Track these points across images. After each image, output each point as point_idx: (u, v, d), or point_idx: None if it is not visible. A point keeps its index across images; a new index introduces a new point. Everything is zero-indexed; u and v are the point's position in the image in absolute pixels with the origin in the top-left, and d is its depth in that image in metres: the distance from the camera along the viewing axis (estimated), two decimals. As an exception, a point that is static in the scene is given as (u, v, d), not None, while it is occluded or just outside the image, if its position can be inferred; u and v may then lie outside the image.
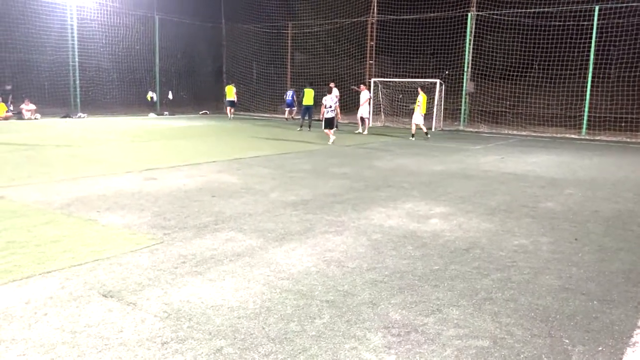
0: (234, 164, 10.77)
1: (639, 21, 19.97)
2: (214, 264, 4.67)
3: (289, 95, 25.16)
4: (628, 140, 19.73)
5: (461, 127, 23.32)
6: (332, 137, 15.39)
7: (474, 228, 6.22)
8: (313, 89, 21.41)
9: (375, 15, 25.49)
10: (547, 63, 21.69)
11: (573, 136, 20.74)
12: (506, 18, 21.96)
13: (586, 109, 20.84)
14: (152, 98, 27.44)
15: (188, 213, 6.50)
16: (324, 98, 15.95)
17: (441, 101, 22.70)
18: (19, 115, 21.38)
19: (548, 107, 22.60)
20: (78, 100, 24.53)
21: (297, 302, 3.88)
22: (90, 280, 4.19)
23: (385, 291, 4.16)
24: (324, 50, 28.11)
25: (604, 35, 20.24)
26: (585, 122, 20.98)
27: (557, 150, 15.83)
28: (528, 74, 22.75)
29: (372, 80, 24.31)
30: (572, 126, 21.57)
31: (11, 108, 21.53)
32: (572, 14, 20.72)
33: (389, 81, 24.30)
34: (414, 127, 17.91)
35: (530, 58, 22.67)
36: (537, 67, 22.55)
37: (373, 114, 23.77)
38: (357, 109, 20.05)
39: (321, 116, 16.16)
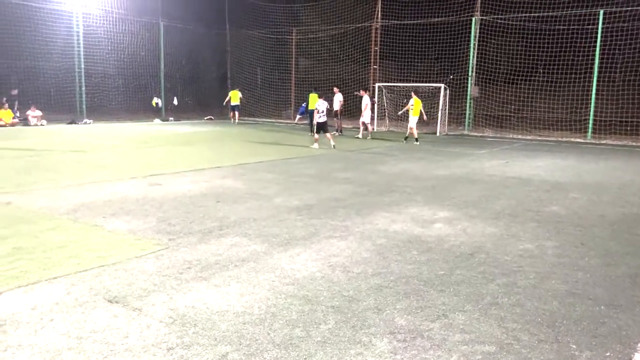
0: (239, 169, 10.79)
1: (644, 25, 19.95)
2: (219, 270, 4.67)
3: (303, 105, 25.35)
4: (634, 144, 19.63)
5: (466, 132, 23.28)
6: (332, 142, 15.48)
7: (479, 232, 6.21)
8: (318, 93, 21.45)
9: (379, 20, 25.54)
10: (551, 67, 21.65)
11: (578, 140, 20.66)
12: (510, 22, 21.96)
13: (591, 113, 20.77)
14: (157, 104, 27.57)
15: (193, 218, 6.51)
16: (316, 103, 16.03)
17: (445, 106, 22.69)
18: (25, 121, 21.51)
19: (553, 111, 22.54)
20: (84, 106, 24.67)
21: (302, 308, 3.88)
22: (95, 286, 4.20)
23: (391, 296, 4.15)
24: (328, 56, 28.18)
25: (609, 39, 20.19)
26: (590, 126, 20.91)
27: (562, 154, 15.78)
28: (533, 78, 22.72)
29: (377, 85, 24.33)
30: (578, 130, 21.51)
31: (17, 114, 21.67)
32: (577, 17, 20.70)
33: (394, 86, 24.31)
34: (415, 132, 18.05)
35: (535, 62, 22.64)
36: (541, 71, 22.51)
37: (378, 119, 23.81)
38: (362, 114, 20.08)
39: (314, 121, 16.28)
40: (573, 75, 21.09)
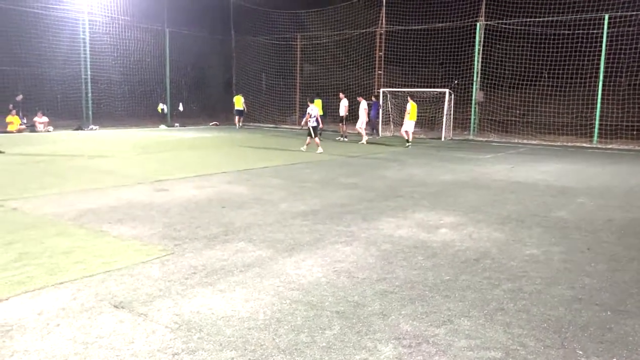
0: (244, 175, 10.81)
1: (649, 29, 19.89)
2: (224, 275, 4.68)
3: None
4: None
5: (471, 137, 23.24)
6: (319, 149, 15.66)
7: (484, 238, 6.19)
8: (321, 98, 21.52)
9: (383, 26, 25.59)
10: (557, 72, 21.60)
11: (584, 145, 20.58)
12: (515, 27, 21.95)
13: (597, 118, 20.69)
14: (162, 110, 27.70)
15: (198, 224, 6.53)
16: (308, 108, 16.11)
17: (450, 111, 22.67)
18: (32, 127, 21.65)
19: (558, 115, 22.46)
20: (90, 112, 24.80)
21: (308, 313, 3.88)
22: (101, 291, 4.22)
23: (396, 302, 4.14)
24: (333, 61, 28.24)
25: (614, 43, 20.13)
26: (596, 130, 20.82)
27: (568, 158, 15.72)
28: (538, 83, 22.66)
29: (381, 90, 24.36)
30: (583, 135, 21.43)
31: (24, 121, 21.81)
32: (582, 22, 20.66)
33: (398, 91, 24.33)
34: (410, 135, 18.45)
35: (540, 67, 22.59)
36: (546, 75, 22.46)
37: (383, 124, 23.83)
38: (369, 119, 20.17)
39: (305, 125, 16.35)
40: (578, 80, 21.03)
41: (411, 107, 18.26)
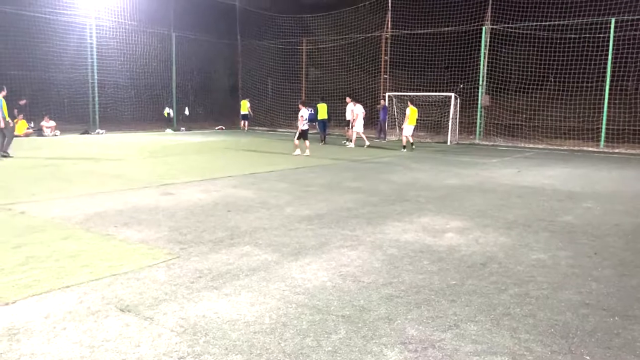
0: (249, 179, 10.83)
1: (656, 33, 19.80)
2: (229, 279, 4.68)
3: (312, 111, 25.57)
4: (647, 152, 19.45)
5: (477, 141, 23.19)
6: (307, 151, 15.78)
7: (491, 242, 6.16)
8: (326, 103, 21.57)
9: (389, 30, 25.62)
10: (563, 76, 21.53)
11: (591, 149, 20.50)
12: (521, 31, 21.91)
13: (604, 122, 20.60)
14: (169, 114, 27.85)
15: (204, 228, 6.54)
16: (301, 111, 16.14)
17: (456, 115, 22.64)
18: (39, 132, 21.79)
19: (565, 119, 22.37)
20: (97, 116, 24.95)
21: (313, 317, 3.87)
22: (108, 295, 4.23)
23: (402, 306, 4.13)
24: (339, 66, 28.28)
25: (621, 47, 20.06)
26: (603, 134, 20.73)
27: (575, 163, 15.65)
28: (544, 87, 22.58)
29: (387, 94, 24.37)
30: (590, 139, 21.33)
31: (31, 124, 21.96)
32: (588, 26, 20.59)
33: (404, 95, 24.32)
34: (404, 139, 18.57)
35: (547, 71, 22.52)
36: (553, 79, 22.39)
37: (388, 128, 23.82)
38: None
39: (299, 128, 16.38)
40: (585, 84, 20.95)
41: (410, 111, 18.33)
